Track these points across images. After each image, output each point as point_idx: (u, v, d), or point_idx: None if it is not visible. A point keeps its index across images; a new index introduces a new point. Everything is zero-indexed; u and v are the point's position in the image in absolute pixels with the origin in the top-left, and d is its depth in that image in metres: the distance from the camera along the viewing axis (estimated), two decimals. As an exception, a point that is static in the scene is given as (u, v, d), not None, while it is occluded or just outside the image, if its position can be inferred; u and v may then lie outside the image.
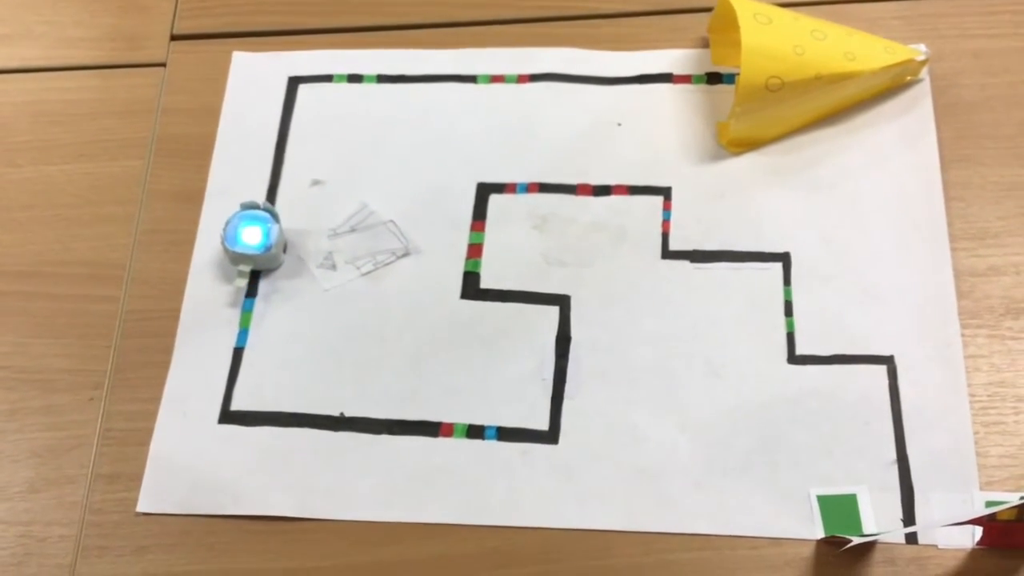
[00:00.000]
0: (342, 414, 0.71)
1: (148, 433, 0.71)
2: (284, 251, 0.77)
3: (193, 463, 0.70)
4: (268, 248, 0.75)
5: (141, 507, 0.69)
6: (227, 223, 0.75)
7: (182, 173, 0.81)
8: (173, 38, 0.87)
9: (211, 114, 0.83)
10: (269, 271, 0.76)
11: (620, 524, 0.67)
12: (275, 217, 0.76)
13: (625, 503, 0.67)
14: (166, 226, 0.79)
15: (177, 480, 0.70)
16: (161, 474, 0.70)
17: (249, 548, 0.68)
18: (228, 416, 0.72)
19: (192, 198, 0.79)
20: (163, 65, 0.86)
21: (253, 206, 0.76)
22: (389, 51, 0.84)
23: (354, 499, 0.69)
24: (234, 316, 0.75)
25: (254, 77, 0.84)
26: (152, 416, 0.72)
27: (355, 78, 0.84)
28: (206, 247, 0.77)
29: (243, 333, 0.74)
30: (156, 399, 0.72)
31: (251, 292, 0.76)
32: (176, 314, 0.75)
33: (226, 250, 0.75)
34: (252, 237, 0.74)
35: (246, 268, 0.75)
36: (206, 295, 0.76)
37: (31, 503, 0.70)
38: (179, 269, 0.77)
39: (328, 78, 0.84)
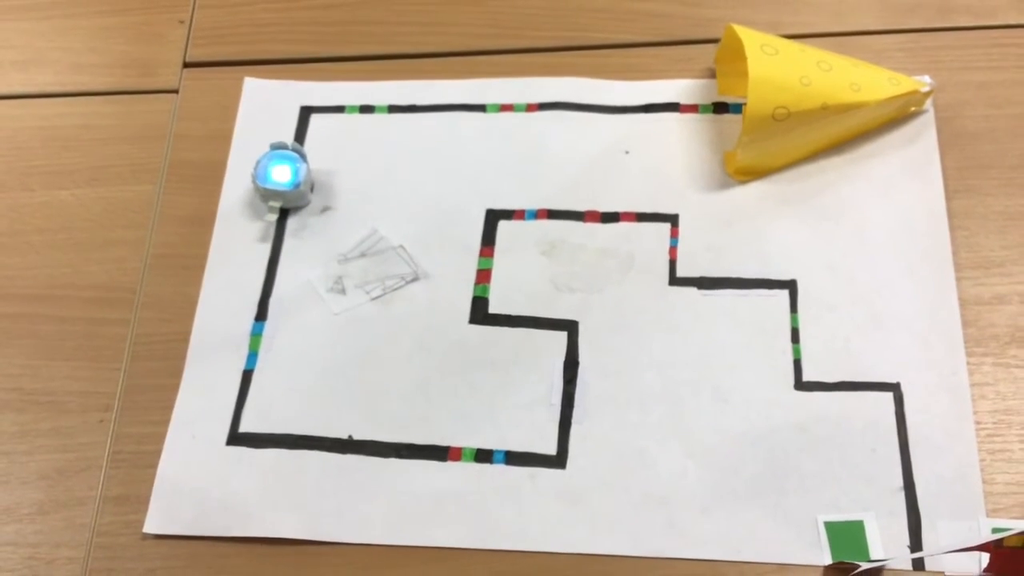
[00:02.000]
0: (350, 437, 0.71)
1: (157, 455, 0.72)
2: (312, 191, 0.80)
3: (201, 485, 0.70)
4: (297, 185, 0.78)
5: (148, 528, 0.69)
6: (257, 162, 0.79)
7: (193, 198, 0.81)
8: (186, 65, 0.88)
9: (223, 140, 0.84)
10: (297, 209, 0.80)
11: (627, 549, 0.67)
12: (303, 157, 0.79)
13: (632, 528, 0.67)
14: (177, 250, 0.79)
15: (185, 502, 0.70)
16: (169, 496, 0.70)
17: (256, 571, 0.68)
18: (236, 438, 0.72)
19: (203, 223, 0.80)
20: (175, 92, 0.87)
21: (282, 146, 0.79)
22: (400, 82, 0.85)
23: (362, 522, 0.69)
24: (245, 338, 0.75)
25: (266, 103, 0.85)
26: (161, 439, 0.72)
27: (367, 109, 0.85)
28: (218, 270, 0.78)
29: (252, 356, 0.75)
30: (165, 421, 0.73)
31: (261, 315, 0.76)
32: (186, 337, 0.76)
33: (257, 188, 0.78)
34: (282, 175, 0.78)
35: (276, 204, 0.78)
36: (217, 318, 0.76)
37: (40, 525, 0.70)
38: (189, 293, 0.77)
39: (340, 109, 0.85)
